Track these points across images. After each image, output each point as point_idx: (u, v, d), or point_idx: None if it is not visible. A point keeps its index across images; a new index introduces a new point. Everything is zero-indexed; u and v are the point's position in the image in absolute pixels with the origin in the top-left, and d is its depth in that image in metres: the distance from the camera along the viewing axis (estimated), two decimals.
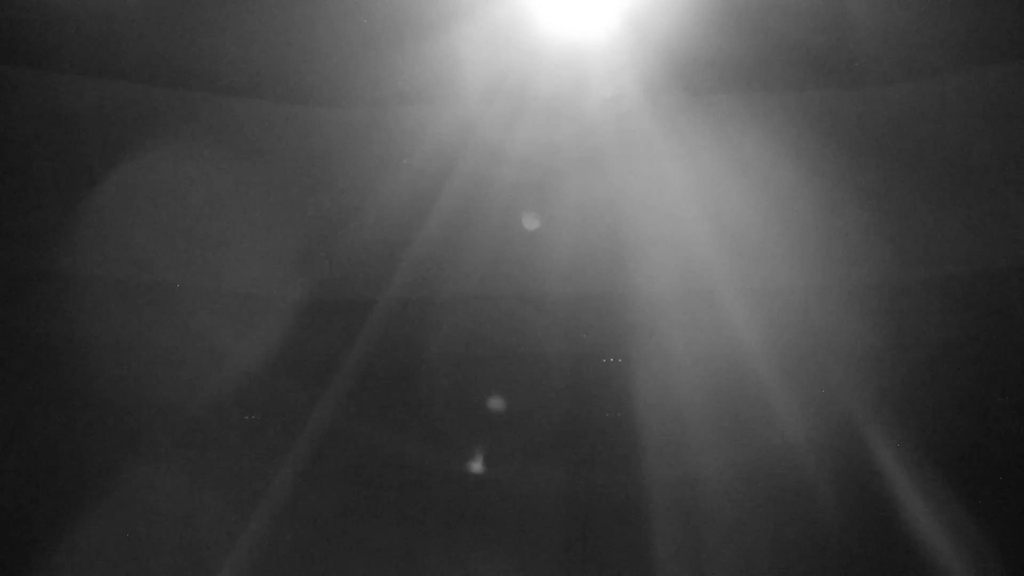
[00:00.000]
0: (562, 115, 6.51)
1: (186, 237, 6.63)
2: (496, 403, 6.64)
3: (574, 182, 6.59)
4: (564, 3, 6.16)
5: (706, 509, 6.47)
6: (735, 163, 6.52)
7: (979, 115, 6.36)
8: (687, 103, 6.45)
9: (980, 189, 6.45)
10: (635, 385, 6.58)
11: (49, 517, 6.27)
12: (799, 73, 6.49)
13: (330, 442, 6.58)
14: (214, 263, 6.64)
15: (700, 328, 6.55)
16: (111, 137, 6.50)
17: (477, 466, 6.58)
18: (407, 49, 6.31)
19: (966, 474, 6.32)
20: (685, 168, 6.52)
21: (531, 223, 6.54)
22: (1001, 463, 6.39)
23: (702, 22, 6.22)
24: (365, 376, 6.65)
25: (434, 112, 6.50)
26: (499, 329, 6.66)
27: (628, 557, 6.48)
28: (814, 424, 6.41)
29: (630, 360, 6.61)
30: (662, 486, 6.49)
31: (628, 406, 6.58)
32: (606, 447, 6.60)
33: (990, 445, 6.40)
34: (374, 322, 6.61)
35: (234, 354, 6.59)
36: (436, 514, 6.55)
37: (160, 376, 6.52)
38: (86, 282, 6.48)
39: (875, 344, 6.51)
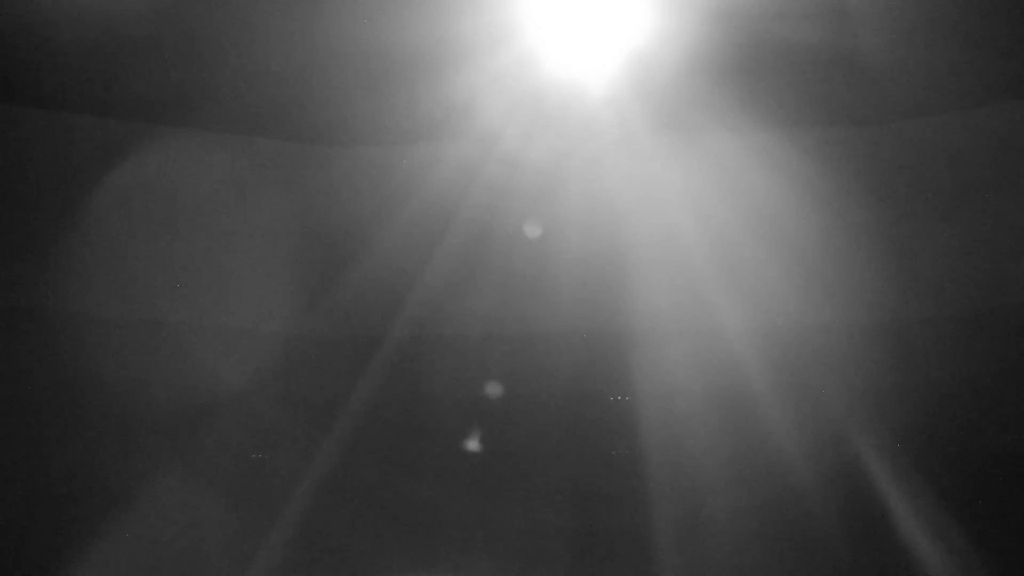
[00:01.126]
0: (567, 154, 6.54)
1: (191, 274, 6.65)
2: (502, 439, 6.64)
3: (579, 220, 6.60)
4: (569, 46, 6.19)
5: (712, 548, 6.46)
6: (740, 201, 6.54)
7: (985, 153, 6.37)
8: (693, 142, 6.47)
9: (986, 226, 6.45)
10: (641, 423, 6.57)
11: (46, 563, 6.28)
12: (804, 111, 6.51)
13: (335, 480, 6.58)
14: (220, 300, 6.66)
15: (706, 366, 6.54)
16: (115, 175, 6.53)
17: (482, 503, 6.57)
18: (414, 89, 6.34)
19: (974, 511, 6.31)
20: (691, 207, 6.53)
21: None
22: (1009, 501, 6.37)
23: (708, 62, 6.24)
24: (370, 413, 6.65)
25: (440, 151, 6.53)
26: (505, 367, 6.67)
27: None
28: (821, 463, 6.39)
29: (636, 398, 6.61)
30: (668, 524, 6.48)
31: (634, 444, 6.58)
32: (612, 485, 6.59)
33: (999, 483, 6.39)
34: (380, 360, 6.62)
35: (239, 391, 6.60)
36: (440, 551, 6.54)
37: (164, 414, 6.52)
38: (90, 321, 6.49)
39: (881, 382, 6.50)
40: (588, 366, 6.65)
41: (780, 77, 6.30)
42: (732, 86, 6.29)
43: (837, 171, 6.48)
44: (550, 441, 6.61)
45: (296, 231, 6.66)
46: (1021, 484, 6.36)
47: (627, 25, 6.17)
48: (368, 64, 6.31)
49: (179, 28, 6.25)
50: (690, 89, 6.28)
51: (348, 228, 6.66)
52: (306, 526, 6.51)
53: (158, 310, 6.56)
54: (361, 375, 6.61)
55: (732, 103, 6.34)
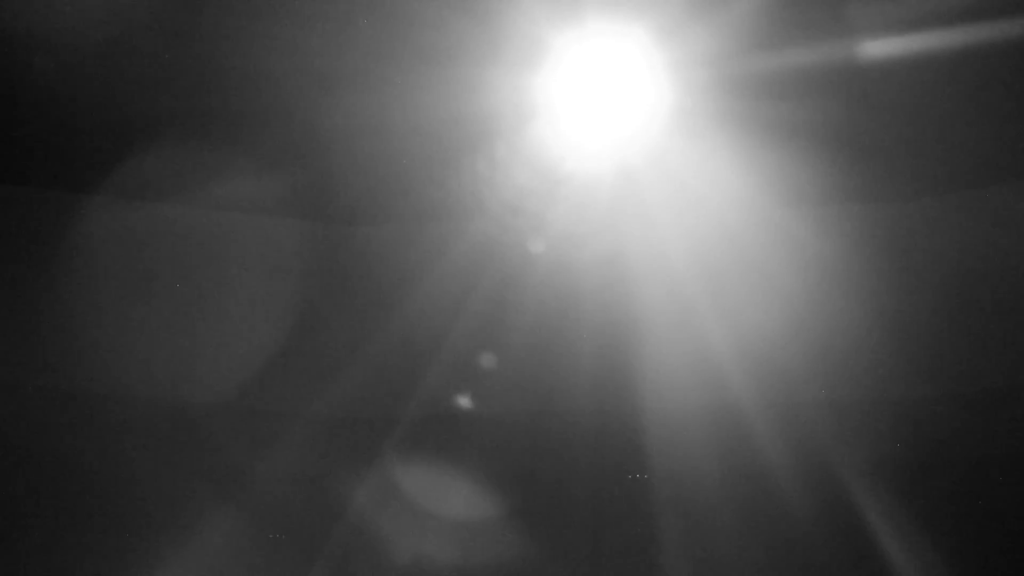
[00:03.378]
0: (584, 232, 6.58)
1: (206, 354, 6.63)
2: (519, 518, 6.60)
3: (596, 297, 6.63)
4: (585, 128, 6.26)
5: None
6: (756, 278, 6.58)
7: (997, 232, 6.43)
8: (710, 219, 6.52)
9: (998, 305, 6.49)
10: (659, 501, 6.55)
11: None
12: (819, 188, 6.57)
13: (350, 561, 6.53)
14: (234, 380, 6.63)
15: (723, 444, 6.54)
16: (133, 256, 6.54)
17: None
18: (432, 167, 6.39)
19: None
20: (707, 283, 6.57)
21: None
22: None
23: (723, 139, 6.31)
24: (385, 493, 6.61)
25: (456, 230, 6.57)
26: (521, 446, 6.65)
27: None
28: (839, 543, 6.38)
29: (654, 476, 6.59)
30: None
31: (652, 523, 6.55)
32: (630, 564, 6.54)
33: (1013, 561, 6.38)
34: (396, 439, 6.60)
35: (254, 471, 6.55)
36: None
37: (179, 495, 6.47)
38: (107, 400, 6.46)
39: (893, 458, 6.51)
40: (606, 444, 6.64)
41: (795, 153, 6.37)
42: (748, 163, 6.35)
43: (851, 248, 6.53)
44: (568, 520, 6.58)
45: (311, 311, 6.67)
46: None
47: (643, 104, 6.25)
48: (386, 143, 6.36)
49: (196, 107, 6.30)
50: (706, 166, 6.34)
51: (365, 306, 6.67)
52: None
53: (173, 391, 6.53)
54: (376, 455, 6.58)
55: (747, 180, 6.40)
